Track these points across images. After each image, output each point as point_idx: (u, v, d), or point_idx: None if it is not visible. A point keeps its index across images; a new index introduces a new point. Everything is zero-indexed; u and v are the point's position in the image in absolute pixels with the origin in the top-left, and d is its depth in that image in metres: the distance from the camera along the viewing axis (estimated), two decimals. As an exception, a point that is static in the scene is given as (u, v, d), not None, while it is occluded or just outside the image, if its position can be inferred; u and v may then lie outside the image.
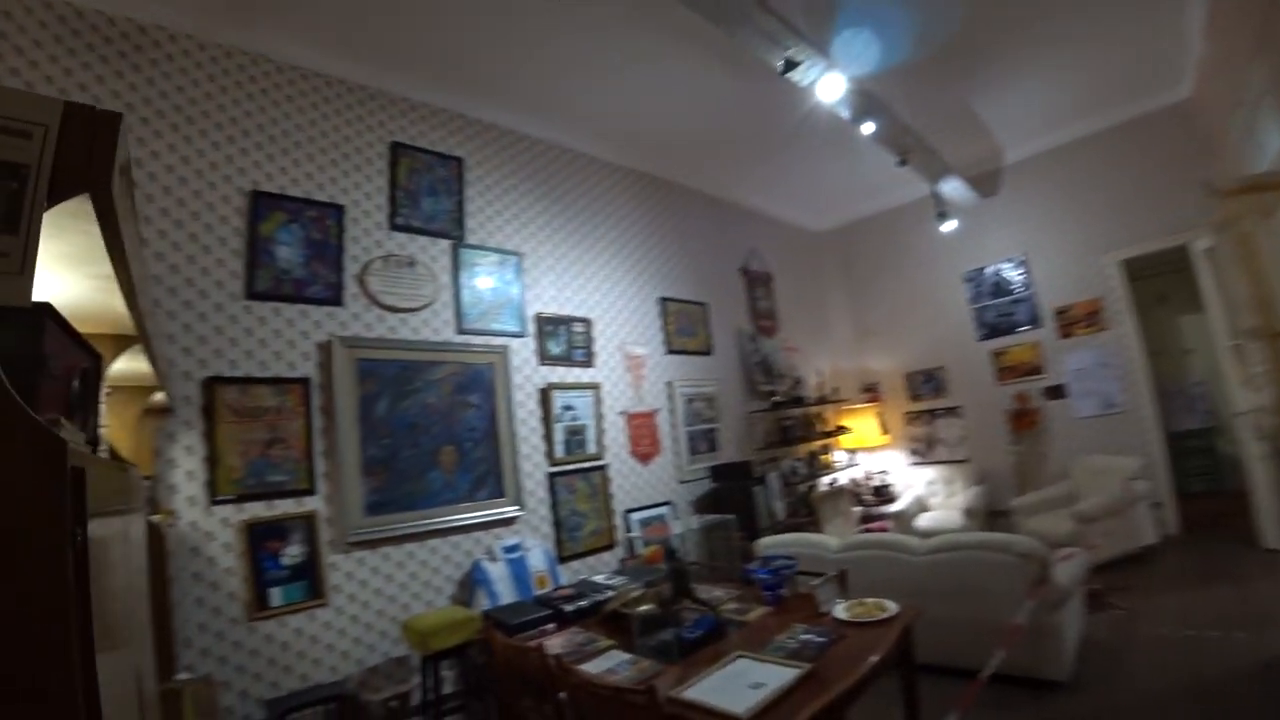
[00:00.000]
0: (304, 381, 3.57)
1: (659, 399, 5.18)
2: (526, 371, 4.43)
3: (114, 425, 2.45)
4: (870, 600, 2.57)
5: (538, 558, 4.05)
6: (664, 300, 5.41)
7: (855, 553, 3.68)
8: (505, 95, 4.46)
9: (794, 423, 5.94)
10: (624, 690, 2.05)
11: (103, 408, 1.62)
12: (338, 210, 3.86)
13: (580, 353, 4.74)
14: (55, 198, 0.87)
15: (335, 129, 3.95)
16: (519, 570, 3.93)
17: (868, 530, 5.53)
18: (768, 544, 4.12)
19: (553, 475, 4.40)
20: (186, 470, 3.23)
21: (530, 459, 4.33)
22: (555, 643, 2.77)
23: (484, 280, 4.35)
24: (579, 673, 2.35)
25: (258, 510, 3.34)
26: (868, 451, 6.90)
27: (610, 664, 2.45)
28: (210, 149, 3.53)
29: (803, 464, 5.83)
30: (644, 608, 2.84)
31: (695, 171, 5.78)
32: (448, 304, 4.17)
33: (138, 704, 1.10)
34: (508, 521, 4.13)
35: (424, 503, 3.82)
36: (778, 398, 5.82)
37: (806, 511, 5.39)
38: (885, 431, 6.96)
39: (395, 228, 4.06)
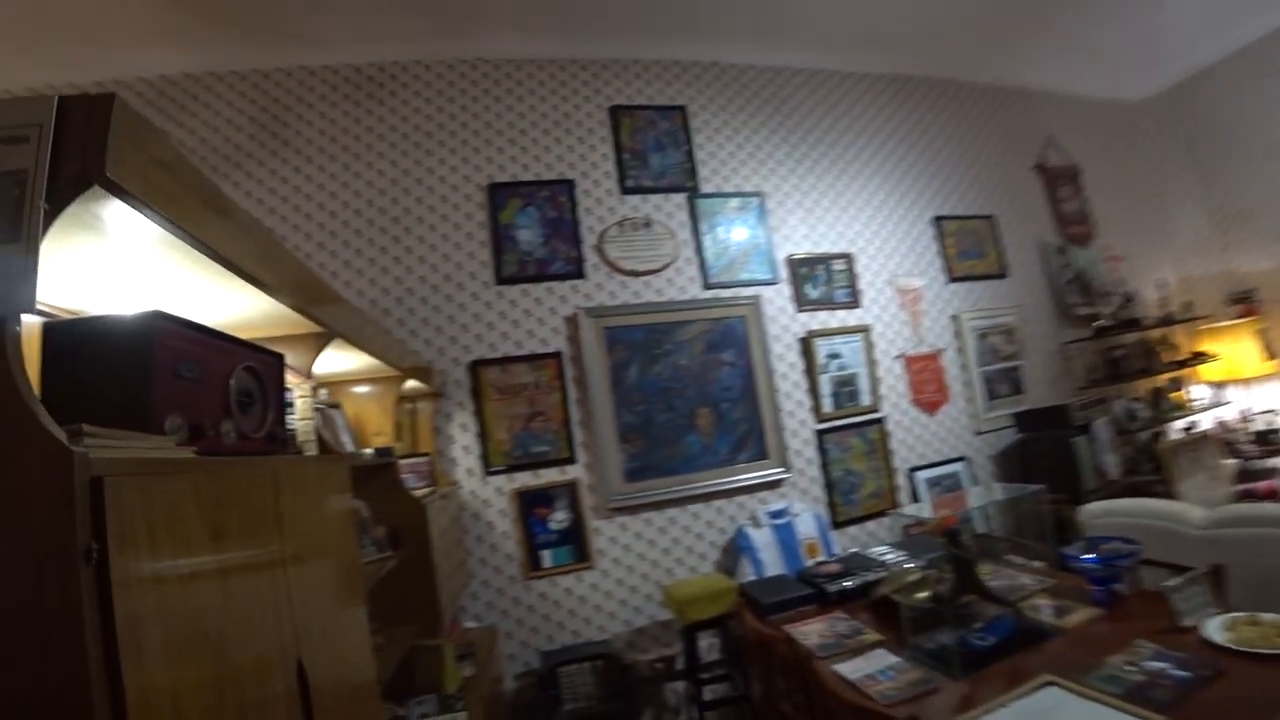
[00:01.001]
0: (556, 356, 3.61)
1: (943, 337, 4.35)
2: (783, 321, 3.99)
3: (375, 412, 2.62)
4: (1268, 618, 1.66)
5: (807, 523, 3.65)
6: (939, 220, 4.50)
7: (1232, 530, 2.51)
8: (720, 29, 3.97)
9: (1128, 352, 4.58)
10: (878, 715, 1.60)
11: (298, 402, 1.63)
12: (568, 185, 3.81)
13: (843, 293, 4.15)
14: (63, 198, 0.77)
15: (554, 107, 3.91)
16: (786, 537, 3.57)
17: (1249, 495, 3.93)
18: (1095, 513, 3.17)
19: (821, 432, 3.92)
20: (463, 445, 3.47)
21: (795, 416, 3.90)
22: (812, 629, 2.38)
23: (726, 229, 4.00)
24: (830, 676, 1.94)
25: (526, 479, 3.48)
26: (1243, 384, 5.07)
27: (872, 667, 1.98)
28: (449, 155, 3.75)
29: (1143, 405, 4.47)
30: (921, 595, 2.31)
31: (957, 59, 4.65)
32: (690, 260, 3.91)
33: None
34: (773, 484, 3.78)
35: (683, 467, 3.65)
36: (1101, 322, 4.51)
37: (1151, 467, 4.08)
38: (1271, 355, 5.06)
39: (626, 191, 3.90)
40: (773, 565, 3.44)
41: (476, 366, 3.54)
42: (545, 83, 3.93)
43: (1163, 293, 5.07)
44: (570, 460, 3.55)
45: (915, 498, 4.01)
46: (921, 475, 4.04)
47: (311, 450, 1.67)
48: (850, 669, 1.99)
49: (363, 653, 1.50)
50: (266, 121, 3.63)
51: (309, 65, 3.70)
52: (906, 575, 2.55)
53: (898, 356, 4.19)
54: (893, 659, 2.04)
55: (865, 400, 4.04)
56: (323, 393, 2.54)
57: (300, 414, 1.66)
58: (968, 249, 4.52)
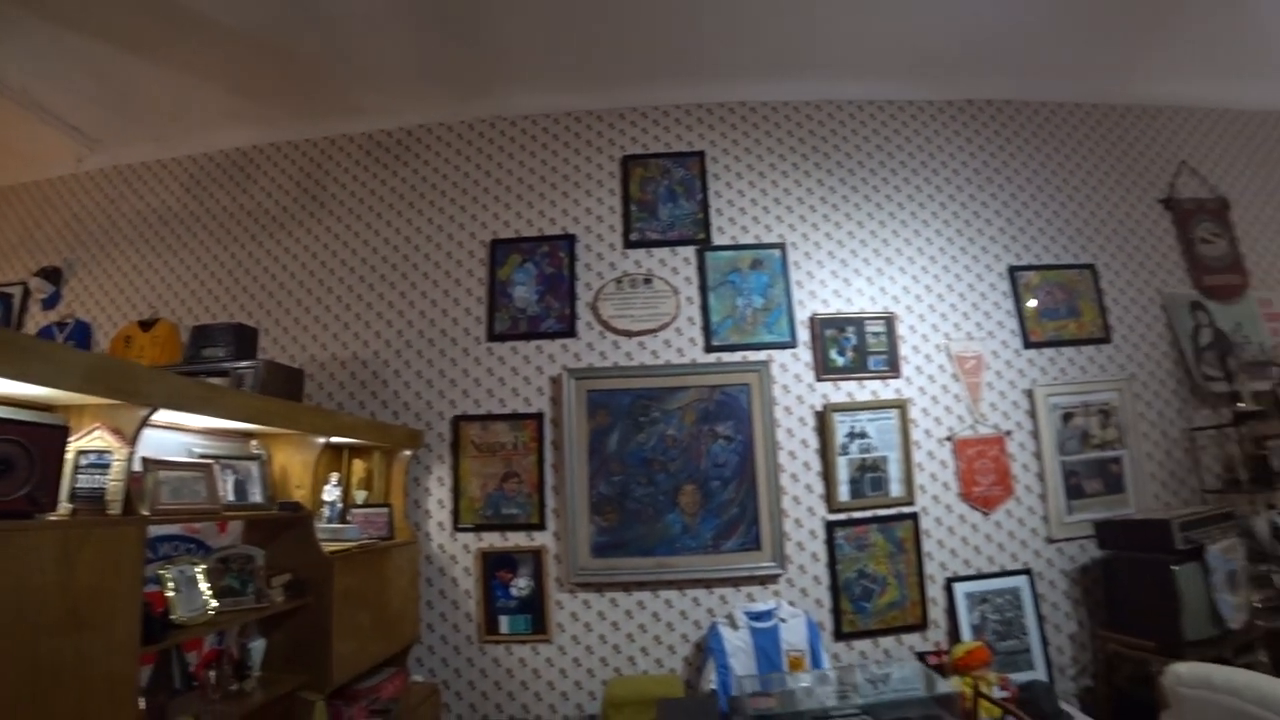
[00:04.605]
0: (538, 417, 3.34)
1: (1011, 416, 3.34)
2: (798, 391, 3.32)
3: (297, 465, 2.49)
4: None
5: (796, 631, 2.93)
6: (1015, 271, 3.50)
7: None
8: (741, 65, 3.50)
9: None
10: None
11: (115, 464, 1.63)
12: (569, 240, 3.55)
13: (879, 360, 3.37)
14: None
15: (564, 161, 3.69)
16: (766, 643, 2.90)
17: None
18: (1188, 679, 2.13)
19: (832, 524, 3.17)
20: (438, 499, 3.31)
21: (801, 503, 3.20)
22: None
23: (737, 286, 3.45)
24: None
25: (494, 539, 3.27)
26: None
27: None
28: (458, 212, 3.70)
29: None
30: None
31: (1049, 72, 3.59)
32: (693, 319, 3.42)
33: None
34: (763, 580, 3.13)
35: (658, 548, 3.16)
36: (1245, 406, 3.17)
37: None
38: None
39: (630, 245, 3.54)
40: (745, 674, 2.79)
41: (459, 422, 3.37)
42: (558, 136, 3.73)
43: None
44: (539, 526, 3.23)
45: (952, 615, 3.07)
46: (963, 588, 3.09)
47: (116, 509, 1.62)
48: None
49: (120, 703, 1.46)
50: (309, 186, 3.84)
51: (348, 133, 3.87)
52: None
53: (946, 439, 3.28)
54: None
55: (895, 490, 3.21)
56: (253, 444, 2.50)
57: (114, 475, 1.65)
58: (1055, 307, 3.45)
